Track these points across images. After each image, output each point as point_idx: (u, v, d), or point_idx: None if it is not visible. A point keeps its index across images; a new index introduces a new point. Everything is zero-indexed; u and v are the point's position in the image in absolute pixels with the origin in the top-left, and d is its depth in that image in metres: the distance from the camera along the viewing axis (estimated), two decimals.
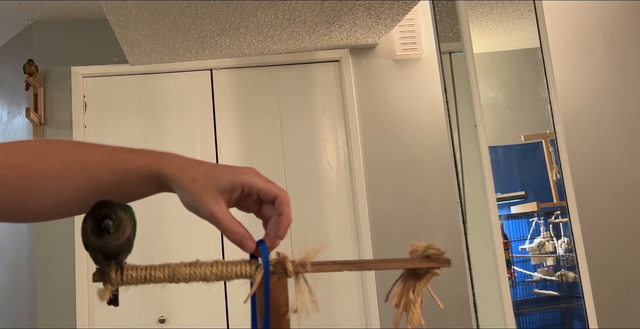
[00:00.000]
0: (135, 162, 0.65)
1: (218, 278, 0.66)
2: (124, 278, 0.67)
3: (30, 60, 2.98)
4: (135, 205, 0.70)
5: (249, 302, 0.68)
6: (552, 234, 2.75)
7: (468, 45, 2.20)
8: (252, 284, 0.66)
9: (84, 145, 0.68)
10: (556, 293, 2.77)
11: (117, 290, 0.70)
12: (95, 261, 0.70)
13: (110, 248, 0.68)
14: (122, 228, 0.67)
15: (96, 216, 0.65)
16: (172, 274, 0.66)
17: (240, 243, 0.66)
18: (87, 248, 0.71)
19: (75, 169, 0.65)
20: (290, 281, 0.65)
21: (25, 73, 2.98)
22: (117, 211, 0.65)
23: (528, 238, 2.85)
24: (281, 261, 0.65)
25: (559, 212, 2.67)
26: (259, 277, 0.65)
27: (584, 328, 2.14)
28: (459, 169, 2.30)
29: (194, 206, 0.65)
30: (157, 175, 0.65)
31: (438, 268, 0.65)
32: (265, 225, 0.69)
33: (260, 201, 0.68)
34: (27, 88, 3.07)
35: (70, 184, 0.65)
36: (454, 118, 2.33)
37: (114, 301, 0.72)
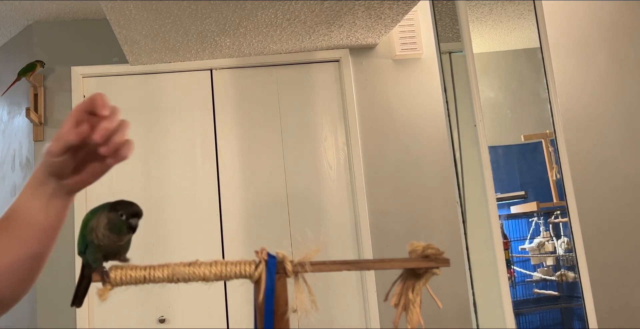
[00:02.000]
0: (34, 177, 0.76)
1: (217, 278, 0.66)
2: (124, 278, 0.67)
3: (41, 62, 3.00)
4: None
5: (249, 301, 0.68)
6: (552, 234, 2.75)
7: (468, 45, 2.20)
8: (255, 284, 0.66)
9: (24, 207, 0.77)
10: (556, 293, 2.77)
11: (82, 292, 0.72)
12: (94, 262, 0.70)
13: (111, 247, 0.69)
14: None
15: (129, 212, 0.68)
16: (172, 274, 0.66)
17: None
18: (84, 251, 0.71)
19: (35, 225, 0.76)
20: (290, 281, 0.65)
21: (22, 74, 2.98)
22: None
23: (528, 238, 2.85)
24: (280, 261, 0.65)
25: (558, 212, 2.67)
26: (263, 275, 0.65)
27: (584, 328, 2.14)
28: (459, 169, 2.30)
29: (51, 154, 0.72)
30: (44, 173, 0.74)
31: (437, 267, 0.65)
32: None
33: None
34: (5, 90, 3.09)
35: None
36: (454, 118, 2.33)
37: (78, 301, 0.73)
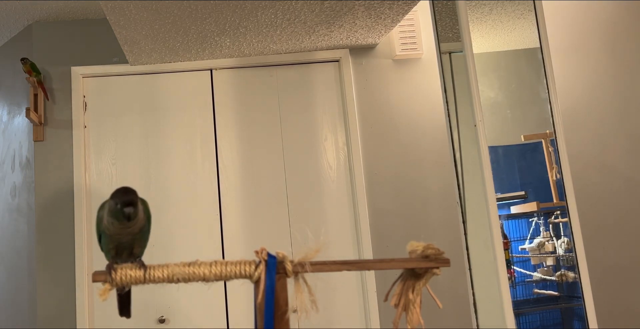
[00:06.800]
0: None
1: (217, 278, 0.66)
2: (124, 278, 0.67)
3: (24, 59, 2.96)
4: None
5: (249, 301, 0.69)
6: (552, 234, 2.75)
7: (468, 45, 2.20)
8: (255, 284, 0.66)
9: None
10: (556, 293, 2.77)
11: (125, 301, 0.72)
12: (106, 253, 0.70)
13: (123, 237, 0.69)
14: (137, 218, 0.69)
15: (121, 200, 0.67)
16: (172, 274, 0.66)
17: None
18: (99, 240, 0.71)
19: None
20: (290, 281, 0.65)
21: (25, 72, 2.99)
22: (138, 200, 0.69)
23: (528, 238, 2.85)
24: (281, 261, 0.65)
25: (558, 212, 2.67)
26: (263, 275, 0.65)
27: (584, 328, 2.14)
28: (459, 169, 2.30)
29: None
30: None
31: (437, 267, 0.65)
32: None
33: None
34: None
35: None
36: (454, 118, 2.33)
37: (126, 312, 0.74)
